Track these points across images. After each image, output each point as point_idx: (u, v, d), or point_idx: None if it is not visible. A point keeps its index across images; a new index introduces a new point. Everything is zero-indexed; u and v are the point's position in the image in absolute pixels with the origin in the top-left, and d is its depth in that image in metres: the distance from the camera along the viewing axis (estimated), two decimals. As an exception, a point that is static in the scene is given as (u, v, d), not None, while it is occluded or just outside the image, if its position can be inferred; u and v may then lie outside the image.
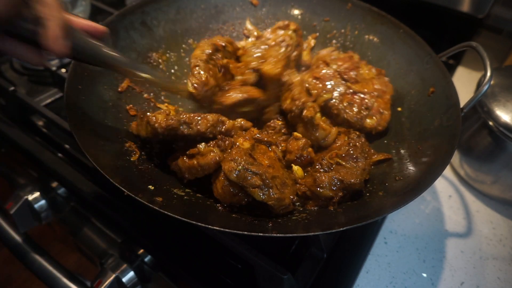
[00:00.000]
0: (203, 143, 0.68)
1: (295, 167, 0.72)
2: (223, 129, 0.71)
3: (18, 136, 0.92)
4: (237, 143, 0.67)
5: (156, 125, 0.67)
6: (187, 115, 0.68)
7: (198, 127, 0.68)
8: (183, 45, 0.95)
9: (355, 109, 0.80)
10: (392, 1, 1.04)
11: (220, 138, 0.68)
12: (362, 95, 0.81)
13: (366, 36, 0.96)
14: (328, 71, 0.83)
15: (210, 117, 0.69)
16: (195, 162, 0.66)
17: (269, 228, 0.60)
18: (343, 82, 0.82)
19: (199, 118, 0.68)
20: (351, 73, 0.84)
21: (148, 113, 0.70)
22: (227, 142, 0.67)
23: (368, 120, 0.80)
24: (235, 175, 0.61)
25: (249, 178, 0.61)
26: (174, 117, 0.68)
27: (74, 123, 0.64)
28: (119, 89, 0.80)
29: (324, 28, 1.01)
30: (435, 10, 1.22)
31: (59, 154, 0.90)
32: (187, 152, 0.68)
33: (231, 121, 0.72)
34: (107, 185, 0.77)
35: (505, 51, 1.23)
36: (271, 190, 0.62)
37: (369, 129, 0.80)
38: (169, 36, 0.93)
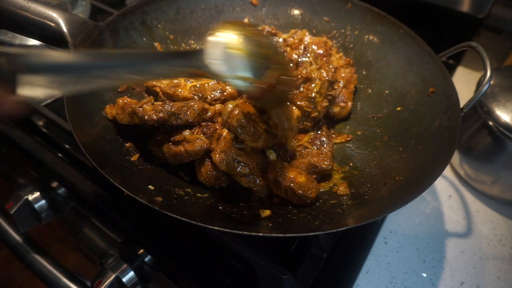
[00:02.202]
0: (187, 130, 0.70)
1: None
2: (206, 117, 0.73)
3: (18, 136, 0.92)
4: (223, 134, 0.69)
5: (146, 117, 0.68)
6: (175, 106, 0.70)
7: (187, 117, 0.70)
8: (183, 45, 0.95)
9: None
10: (392, 1, 1.04)
11: (204, 125, 0.71)
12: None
13: (366, 36, 0.96)
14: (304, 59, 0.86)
15: (196, 105, 0.71)
16: (182, 149, 0.69)
17: (269, 228, 0.61)
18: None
19: (186, 108, 0.70)
20: (325, 59, 0.87)
21: (132, 104, 0.70)
22: (211, 129, 0.71)
23: (335, 110, 0.86)
24: (225, 166, 0.66)
25: (238, 168, 0.66)
26: (163, 108, 0.69)
27: (74, 123, 0.64)
28: (119, 89, 0.80)
29: (324, 28, 1.01)
30: (435, 10, 1.22)
31: (59, 154, 0.90)
32: (172, 139, 0.70)
33: (213, 107, 0.74)
34: (107, 185, 0.77)
35: (505, 51, 1.23)
36: (256, 178, 0.68)
37: (332, 115, 0.86)
38: (169, 36, 0.93)
